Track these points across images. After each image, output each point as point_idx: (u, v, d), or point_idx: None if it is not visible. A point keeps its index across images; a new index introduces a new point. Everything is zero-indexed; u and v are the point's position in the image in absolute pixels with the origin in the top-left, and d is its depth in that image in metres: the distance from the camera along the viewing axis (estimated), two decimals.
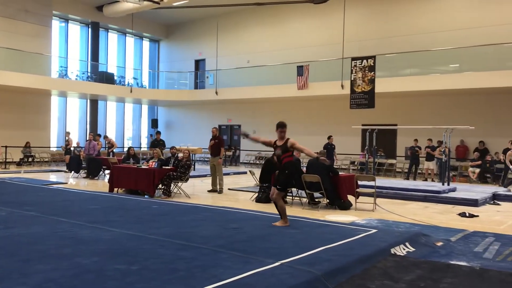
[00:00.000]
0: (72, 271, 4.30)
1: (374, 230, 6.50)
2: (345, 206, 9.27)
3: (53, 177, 15.17)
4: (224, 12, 23.38)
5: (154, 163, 10.89)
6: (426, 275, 4.64)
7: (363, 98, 15.59)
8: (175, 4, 20.17)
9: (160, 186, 10.69)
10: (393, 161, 18.39)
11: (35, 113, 20.63)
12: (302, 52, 20.79)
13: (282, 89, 19.92)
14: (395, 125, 17.35)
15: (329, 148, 15.35)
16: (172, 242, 5.55)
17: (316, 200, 9.59)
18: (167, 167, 10.83)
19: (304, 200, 9.95)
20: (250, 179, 12.52)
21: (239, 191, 12.26)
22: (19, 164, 18.48)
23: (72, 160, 15.98)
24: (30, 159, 19.10)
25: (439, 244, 6.22)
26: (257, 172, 11.20)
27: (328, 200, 9.32)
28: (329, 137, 16.18)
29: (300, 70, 18.85)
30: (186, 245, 5.43)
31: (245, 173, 16.66)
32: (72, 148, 17.11)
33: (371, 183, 9.80)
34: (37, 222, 6.71)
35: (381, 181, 12.66)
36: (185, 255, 4.96)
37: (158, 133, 15.49)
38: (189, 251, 5.16)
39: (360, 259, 5.01)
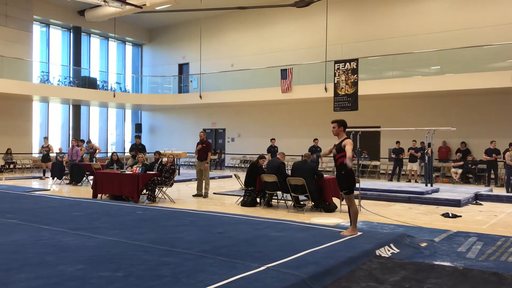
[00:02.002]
0: (55, 279, 4.24)
1: (359, 232, 6.53)
2: (330, 208, 9.31)
3: (35, 184, 14.94)
4: (207, 15, 23.36)
5: (138, 168, 10.79)
6: (410, 276, 4.68)
7: (347, 101, 15.70)
8: (157, 8, 20.07)
9: (144, 191, 10.61)
10: (377, 163, 18.55)
11: (16, 119, 20.32)
12: (286, 55, 20.87)
13: (266, 92, 19.96)
14: (379, 127, 17.50)
15: (314, 151, 15.43)
16: (156, 248, 5.51)
17: (301, 203, 9.61)
18: (151, 172, 10.75)
19: (290, 203, 9.96)
20: (235, 183, 12.52)
21: (225, 195, 12.23)
22: (0, 171, 18.17)
23: (55, 166, 15.75)
24: (11, 166, 18.79)
25: (423, 245, 6.28)
26: (242, 175, 11.19)
27: (313, 203, 9.35)
28: (314, 140, 16.26)
29: (284, 73, 18.92)
30: (171, 250, 5.39)
31: (230, 177, 16.63)
32: (53, 154, 16.88)
33: (356, 185, 9.84)
34: (18, 230, 6.59)
35: (365, 183, 12.76)
36: (170, 261, 4.92)
37: (138, 137, 15.29)
38: (174, 256, 5.12)
39: (346, 261, 5.03)
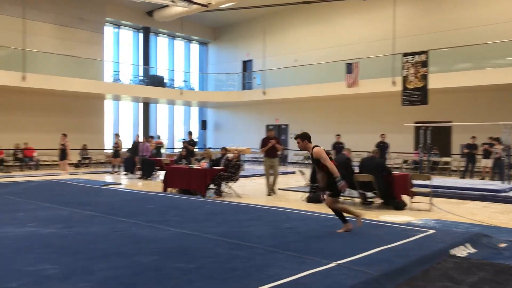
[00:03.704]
0: (133, 269, 4.44)
1: (432, 231, 6.30)
2: (400, 206, 9.04)
3: (108, 178, 15.71)
4: (271, 12, 23.41)
5: (205, 163, 11.05)
6: (489, 277, 4.45)
7: (416, 95, 15.15)
8: (222, 6, 20.41)
9: (211, 186, 10.84)
10: (448, 159, 17.77)
11: (90, 117, 21.45)
12: (351, 49, 20.47)
13: (330, 87, 19.70)
14: (450, 122, 16.75)
15: (382, 147, 15.04)
16: (226, 242, 5.62)
17: (369, 200, 9.42)
18: (218, 168, 10.97)
19: (357, 200, 9.79)
20: (300, 179, 12.48)
21: (289, 191, 12.23)
22: (77, 165, 19.28)
23: (127, 161, 16.51)
24: (87, 161, 19.90)
25: (502, 245, 5.95)
26: (306, 172, 11.13)
27: (382, 200, 9.12)
28: (381, 135, 15.86)
29: (349, 68, 18.58)
30: (241, 244, 5.48)
31: (294, 173, 16.60)
32: (123, 150, 17.70)
33: (426, 182, 9.51)
34: (97, 222, 6.97)
35: (436, 180, 12.26)
36: (240, 255, 5.00)
37: (190, 133, 15.78)
38: (244, 250, 5.20)
39: (419, 260, 4.87)
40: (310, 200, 9.89)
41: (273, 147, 11.21)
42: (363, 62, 18.60)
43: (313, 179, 10.01)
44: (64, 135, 15.52)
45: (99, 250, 5.17)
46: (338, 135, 16.85)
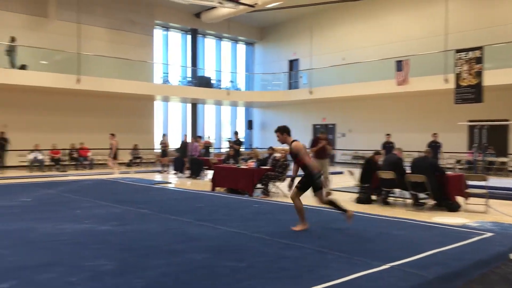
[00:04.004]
0: (186, 267, 4.52)
1: (490, 234, 6.05)
2: (454, 207, 8.73)
3: (158, 177, 16.10)
4: (318, 10, 23.23)
5: (253, 163, 11.11)
6: None
7: (470, 93, 14.59)
8: (269, 6, 20.45)
9: (258, 185, 10.88)
10: (505, 160, 16.98)
11: (140, 117, 22.06)
12: (400, 46, 19.98)
13: (379, 86, 19.31)
14: (507, 120, 16.01)
15: (434, 146, 14.58)
16: (276, 241, 5.62)
17: (421, 201, 9.15)
18: (265, 167, 10.99)
19: (408, 201, 9.54)
20: (348, 179, 12.29)
21: (338, 191, 12.07)
22: (128, 165, 19.88)
23: (177, 160, 16.87)
24: (138, 160, 20.48)
25: None
26: (356, 172, 10.94)
27: (435, 201, 8.84)
28: (433, 134, 15.38)
29: (399, 65, 18.13)
30: (290, 244, 5.46)
31: (341, 173, 16.39)
32: (171, 150, 18.11)
33: (482, 183, 9.14)
34: (150, 220, 7.16)
35: (492, 181, 11.74)
36: (290, 254, 4.99)
37: (236, 133, 15.98)
38: (294, 250, 5.18)
39: (476, 264, 4.69)
40: (359, 200, 9.73)
41: (323, 148, 10.96)
42: (413, 59, 18.10)
43: (362, 179, 9.85)
44: (112, 135, 16.01)
45: (152, 247, 5.30)
46: (388, 134, 16.49)
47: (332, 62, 22.27)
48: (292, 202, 6.47)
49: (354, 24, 22.67)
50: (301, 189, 6.32)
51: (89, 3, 19.85)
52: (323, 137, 11.16)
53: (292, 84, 25.01)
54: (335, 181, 14.24)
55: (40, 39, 18.44)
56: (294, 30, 25.40)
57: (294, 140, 6.35)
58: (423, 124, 19.07)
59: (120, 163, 18.65)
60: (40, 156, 17.29)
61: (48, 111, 18.96)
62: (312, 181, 6.19)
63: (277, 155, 11.41)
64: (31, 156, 17.15)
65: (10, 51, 16.89)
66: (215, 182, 11.58)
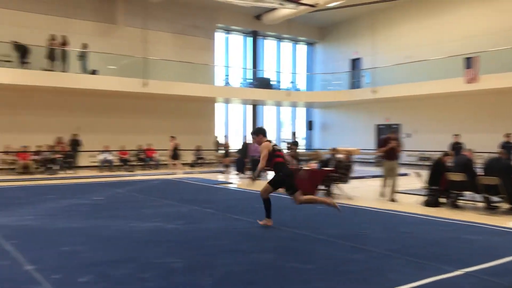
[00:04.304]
0: (251, 267, 4.57)
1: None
2: None
3: (220, 178, 16.37)
4: (380, 8, 22.67)
5: (315, 164, 11.02)
6: None
7: None
8: (329, 5, 20.22)
9: (321, 187, 10.77)
10: None
11: (202, 119, 22.53)
12: (469, 43, 19.03)
13: (446, 84, 18.50)
14: None
15: (508, 147, 13.77)
16: (341, 244, 5.55)
17: (495, 205, 8.67)
18: (327, 168, 10.87)
19: (480, 204, 9.08)
20: (413, 181, 11.89)
21: (404, 193, 11.70)
22: (192, 165, 20.38)
23: (238, 161, 17.08)
24: (200, 161, 20.94)
25: None
26: (424, 173, 10.55)
27: (510, 205, 8.35)
28: (506, 135, 14.55)
29: (468, 62, 17.29)
30: (356, 247, 5.37)
31: (407, 174, 15.87)
32: (232, 151, 18.36)
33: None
34: (215, 219, 7.30)
35: None
36: (356, 257, 4.91)
37: (294, 134, 15.91)
38: (360, 253, 5.09)
39: None
40: (427, 203, 9.37)
41: (392, 149, 10.33)
42: (484, 56, 17.20)
43: (430, 181, 9.49)
44: (172, 137, 16.42)
45: (219, 246, 5.40)
46: (456, 134, 15.78)
47: (395, 61, 21.64)
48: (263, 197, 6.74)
49: (418, 20, 21.89)
50: (273, 186, 6.63)
51: (155, 10, 20.55)
52: (393, 137, 10.57)
53: (354, 83, 24.55)
54: (400, 183, 13.82)
55: (109, 45, 19.32)
56: (355, 29, 24.94)
57: (267, 141, 6.68)
58: (494, 124, 18.06)
59: (183, 164, 19.16)
60: (109, 157, 18.11)
61: (117, 114, 19.82)
62: (277, 180, 6.60)
63: (340, 156, 11.25)
64: (101, 156, 18.00)
65: (82, 57, 17.84)
66: None
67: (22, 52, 16.55)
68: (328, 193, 10.60)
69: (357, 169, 18.71)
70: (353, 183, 12.88)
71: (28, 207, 8.42)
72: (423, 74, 19.67)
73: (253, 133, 6.87)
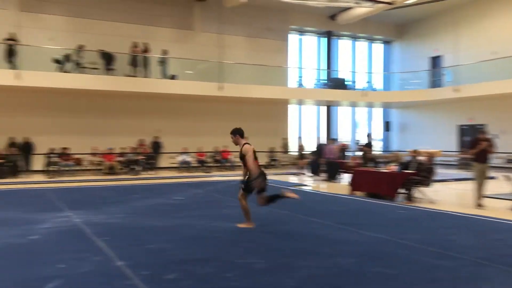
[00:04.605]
0: (333, 271, 4.51)
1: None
2: None
3: (294, 179, 16.34)
4: (462, 2, 21.51)
5: (395, 166, 10.67)
6: None
7: None
8: (408, 2, 19.52)
9: (401, 190, 10.41)
10: None
11: (275, 121, 22.62)
12: None
13: None
14: None
15: None
16: (426, 250, 5.32)
17: None
18: (408, 171, 10.48)
19: None
20: (502, 185, 11.16)
21: (491, 198, 11.00)
22: (265, 167, 20.53)
23: (313, 163, 16.97)
24: (274, 163, 21.05)
25: None
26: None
27: None
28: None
29: None
30: (443, 253, 5.12)
31: (495, 178, 14.91)
32: (306, 152, 18.25)
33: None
34: (293, 221, 7.30)
35: None
36: (443, 264, 4.69)
37: (369, 135, 15.49)
38: (447, 260, 4.85)
39: None
40: None
41: (484, 150, 9.55)
42: None
43: None
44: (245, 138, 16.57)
45: (298, 249, 5.39)
46: None
47: (479, 57, 20.41)
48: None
49: (504, 14, 20.50)
50: (245, 190, 6.62)
51: (230, 15, 20.98)
52: (484, 138, 9.80)
53: (434, 82, 23.49)
54: (489, 187, 13.02)
55: (187, 50, 19.99)
56: (436, 25, 23.84)
57: (246, 143, 6.69)
58: None
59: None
60: (187, 158, 18.73)
61: (194, 117, 20.45)
62: (249, 183, 6.54)
63: (422, 158, 10.80)
64: (180, 158, 18.66)
65: (162, 63, 18.63)
66: (354, 185, 11.37)
67: (108, 59, 17.60)
68: (409, 197, 10.21)
69: (439, 172, 17.89)
70: (435, 187, 12.33)
71: (115, 206, 8.91)
72: (510, 71, 18.41)
73: (231, 133, 6.89)
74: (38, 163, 16.36)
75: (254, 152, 6.65)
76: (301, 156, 18.32)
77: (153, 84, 18.04)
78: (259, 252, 5.21)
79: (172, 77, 18.71)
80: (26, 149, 16.42)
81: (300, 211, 8.27)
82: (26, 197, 7.89)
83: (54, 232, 6.30)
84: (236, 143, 6.87)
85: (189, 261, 4.83)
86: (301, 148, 18.75)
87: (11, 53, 15.80)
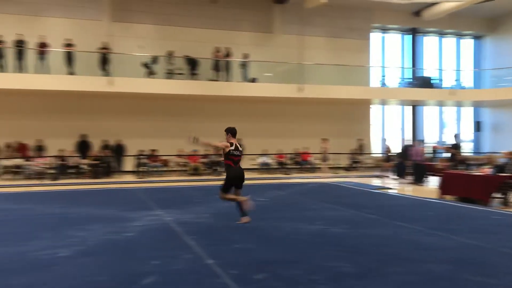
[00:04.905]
0: (427, 277, 4.32)
1: None
2: None
3: (378, 182, 15.87)
4: None
5: (489, 169, 10.01)
6: None
7: None
8: None
9: (496, 194, 9.72)
10: None
11: (356, 122, 22.11)
12: None
13: None
14: None
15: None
16: None
17: None
18: (503, 174, 9.77)
19: None
20: None
21: None
22: (347, 169, 20.15)
23: (399, 165, 16.37)
24: (356, 165, 20.58)
25: None
26: None
27: None
28: None
29: None
30: None
31: None
32: (392, 154, 17.60)
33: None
34: (380, 225, 7.08)
35: None
36: None
37: (456, 136, 14.57)
38: None
39: None
40: None
41: None
42: None
43: None
44: (324, 139, 16.39)
45: (388, 254, 5.22)
46: None
47: None
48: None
49: None
50: (224, 189, 7.14)
51: (310, 16, 20.88)
52: None
53: None
54: None
55: (267, 53, 20.19)
56: None
57: (231, 142, 7.14)
58: None
59: (337, 168, 19.10)
60: (267, 160, 18.90)
61: (274, 119, 20.56)
62: (226, 183, 7.11)
63: None
64: (260, 159, 18.88)
65: (244, 66, 18.99)
66: (443, 189, 10.80)
67: (192, 64, 18.27)
68: (505, 202, 9.53)
69: None
70: None
71: (201, 205, 9.20)
72: None
73: (225, 130, 7.31)
74: (129, 164, 17.34)
75: (230, 151, 7.12)
76: (388, 158, 17.75)
77: (235, 88, 18.45)
78: (346, 256, 5.11)
79: (253, 80, 19.00)
80: (118, 151, 17.46)
81: (387, 215, 8.01)
82: (119, 196, 8.39)
83: (146, 230, 6.63)
84: (228, 141, 7.22)
85: (276, 262, 4.86)
86: (387, 150, 18.18)
87: (104, 61, 16.94)
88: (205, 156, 17.88)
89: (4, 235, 6.32)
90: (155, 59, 17.73)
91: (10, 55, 16.15)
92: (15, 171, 15.73)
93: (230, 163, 7.14)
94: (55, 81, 16.18)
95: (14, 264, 4.84)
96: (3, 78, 15.75)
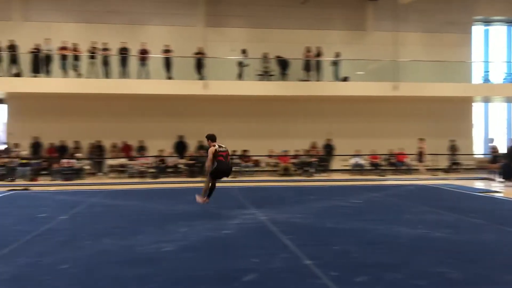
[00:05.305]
0: None
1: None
2: None
3: (481, 185, 14.82)
4: None
5: None
6: None
7: None
8: None
9: None
10: None
11: (456, 121, 20.77)
12: None
13: None
14: None
15: None
16: None
17: None
18: None
19: None
20: None
21: None
22: (446, 171, 19.05)
23: (504, 167, 15.16)
24: (456, 166, 19.37)
25: None
26: None
27: None
28: None
29: None
30: None
31: None
32: (498, 155, 16.32)
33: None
34: (486, 230, 6.61)
35: None
36: None
37: None
38: None
39: None
40: None
41: None
42: None
43: None
44: (421, 139, 15.65)
45: (498, 260, 4.89)
46: None
47: None
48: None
49: None
50: (211, 176, 8.60)
51: (405, 11, 20.02)
52: None
53: None
54: None
55: (359, 51, 19.68)
56: None
57: (212, 145, 8.61)
58: None
59: (435, 169, 18.12)
60: (360, 161, 18.44)
61: (366, 118, 19.93)
62: (213, 172, 8.57)
63: None
64: (352, 160, 18.47)
65: (335, 64, 18.74)
66: None
67: (283, 65, 18.41)
68: None
69: None
70: None
71: (295, 205, 9.23)
72: None
73: (206, 137, 8.94)
74: None
75: (216, 151, 8.43)
76: (494, 159, 16.49)
77: (326, 87, 18.31)
78: (452, 262, 4.83)
79: (345, 79, 18.70)
80: None
81: (495, 220, 7.45)
82: (214, 194, 8.70)
83: (243, 228, 6.79)
84: (210, 146, 8.62)
85: (375, 265, 4.73)
86: (494, 150, 16.91)
87: (200, 66, 17.64)
88: (295, 156, 17.91)
89: (113, 229, 6.81)
90: (245, 51, 18.03)
91: (114, 62, 17.43)
92: (120, 170, 16.94)
93: (222, 159, 8.47)
94: (156, 85, 17.20)
95: (123, 256, 5.20)
96: (109, 84, 17.04)
